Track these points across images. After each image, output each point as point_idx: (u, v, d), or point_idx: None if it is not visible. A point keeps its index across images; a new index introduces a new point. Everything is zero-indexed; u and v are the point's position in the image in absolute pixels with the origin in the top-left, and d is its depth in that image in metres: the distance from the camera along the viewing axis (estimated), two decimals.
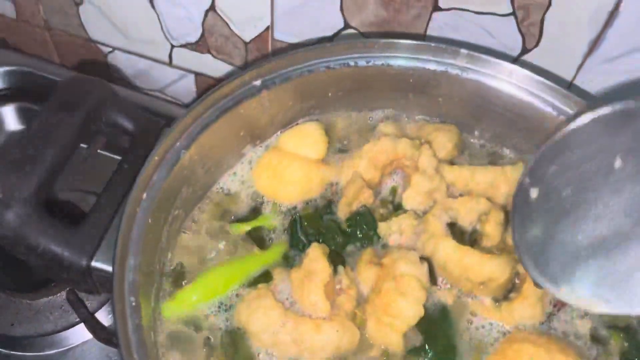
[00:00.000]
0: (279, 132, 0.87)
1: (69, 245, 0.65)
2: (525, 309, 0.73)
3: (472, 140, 0.91)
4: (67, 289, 0.97)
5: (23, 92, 1.11)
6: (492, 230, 0.78)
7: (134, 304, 0.61)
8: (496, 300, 0.76)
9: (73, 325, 1.01)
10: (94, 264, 0.65)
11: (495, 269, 0.73)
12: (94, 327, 0.72)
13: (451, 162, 0.87)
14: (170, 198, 0.73)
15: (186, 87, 1.24)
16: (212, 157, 0.79)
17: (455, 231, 0.79)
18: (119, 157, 0.72)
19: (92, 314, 0.77)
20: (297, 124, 0.86)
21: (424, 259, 0.75)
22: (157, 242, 0.71)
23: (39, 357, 0.99)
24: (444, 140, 0.86)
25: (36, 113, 0.67)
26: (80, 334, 1.00)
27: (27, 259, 0.66)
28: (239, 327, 0.73)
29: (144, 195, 0.68)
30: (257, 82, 0.79)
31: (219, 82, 1.17)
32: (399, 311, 0.71)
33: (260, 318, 0.71)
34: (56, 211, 0.69)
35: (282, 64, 0.80)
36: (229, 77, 1.16)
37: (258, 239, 0.80)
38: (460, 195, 0.84)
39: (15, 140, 0.66)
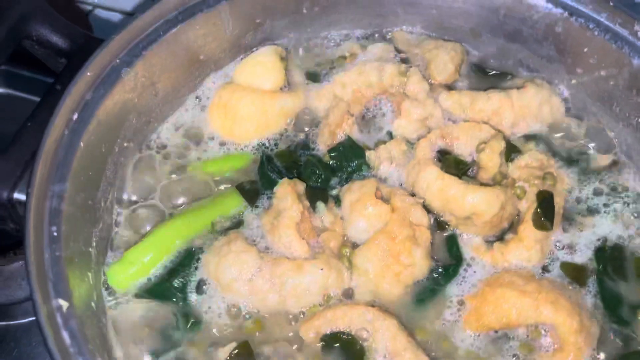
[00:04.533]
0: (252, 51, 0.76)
1: None
2: (520, 251, 0.63)
3: (472, 58, 0.79)
4: None
5: None
6: (488, 159, 0.67)
7: (55, 233, 0.52)
8: (488, 241, 0.65)
9: None
10: (16, 195, 0.56)
11: (478, 202, 0.62)
12: None
13: (450, 87, 0.76)
14: (114, 124, 0.63)
15: None
16: (166, 82, 0.69)
17: (449, 161, 0.68)
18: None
19: None
20: (253, 51, 0.75)
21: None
22: (99, 173, 0.62)
23: (11, 326, 0.91)
24: (446, 60, 0.76)
25: None
26: None
27: None
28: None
29: (75, 116, 0.58)
30: None
31: None
32: (413, 261, 0.62)
33: (232, 264, 0.61)
34: None
35: None
36: None
37: (249, 192, 0.69)
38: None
39: None
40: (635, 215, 0.67)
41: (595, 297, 0.62)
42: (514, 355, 0.59)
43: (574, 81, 0.74)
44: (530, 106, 0.72)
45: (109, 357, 0.54)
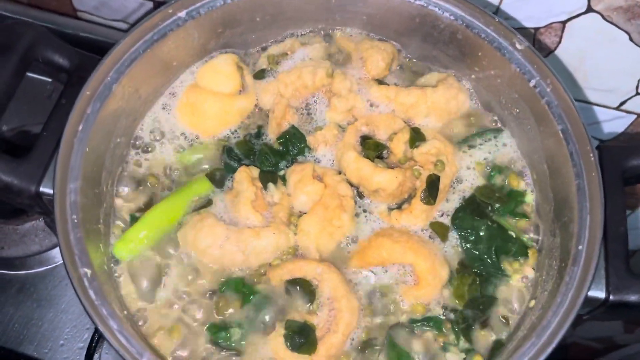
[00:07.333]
0: (214, 54, 0.93)
1: (17, 174, 0.74)
2: (409, 217, 0.84)
3: (401, 55, 0.97)
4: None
5: None
6: (395, 146, 0.87)
7: (76, 220, 0.71)
8: (391, 208, 0.86)
9: (56, 246, 1.12)
10: (42, 189, 0.75)
11: (382, 180, 0.83)
12: None
13: (381, 81, 0.93)
14: (109, 128, 0.81)
15: None
16: (147, 87, 0.86)
17: (369, 144, 0.87)
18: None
19: None
20: (213, 56, 0.91)
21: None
22: (100, 167, 0.80)
23: (29, 274, 1.11)
24: (377, 60, 0.93)
25: None
26: None
27: None
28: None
29: (80, 127, 0.76)
30: (182, 14, 0.84)
31: None
32: (342, 223, 0.83)
33: (207, 235, 0.80)
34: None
35: None
36: None
37: (217, 179, 0.87)
38: (393, 111, 0.91)
39: None
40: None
41: (455, 247, 0.84)
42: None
43: (473, 76, 0.92)
44: (440, 102, 0.90)
45: (121, 303, 0.75)
